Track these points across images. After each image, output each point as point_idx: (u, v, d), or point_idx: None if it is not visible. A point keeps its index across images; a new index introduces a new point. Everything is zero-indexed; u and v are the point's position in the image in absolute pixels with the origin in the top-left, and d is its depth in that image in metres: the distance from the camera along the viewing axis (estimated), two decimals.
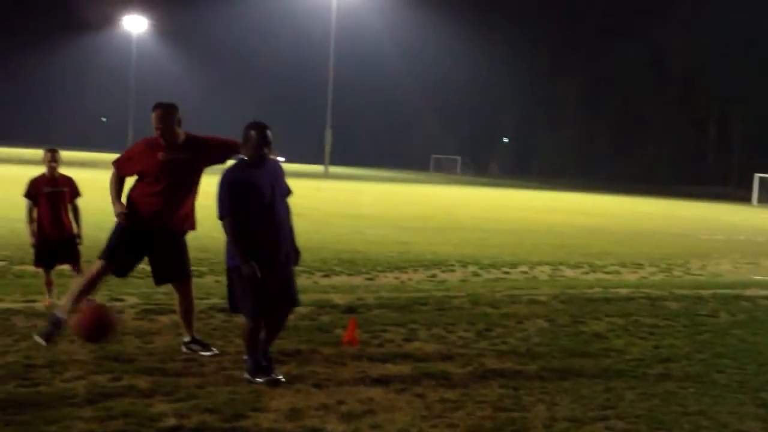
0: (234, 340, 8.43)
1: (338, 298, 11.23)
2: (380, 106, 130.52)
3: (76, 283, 8.11)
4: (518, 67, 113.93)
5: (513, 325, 10.04)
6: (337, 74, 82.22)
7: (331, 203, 33.49)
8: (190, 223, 8.08)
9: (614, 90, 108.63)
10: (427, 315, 10.43)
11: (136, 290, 10.78)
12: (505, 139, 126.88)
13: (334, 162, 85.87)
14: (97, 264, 7.87)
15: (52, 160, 9.84)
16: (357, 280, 13.64)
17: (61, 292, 9.98)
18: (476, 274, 15.29)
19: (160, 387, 6.72)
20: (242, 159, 7.22)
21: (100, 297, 9.70)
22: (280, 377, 7.07)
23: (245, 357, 7.20)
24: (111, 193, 7.95)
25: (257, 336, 7.21)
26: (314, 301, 10.93)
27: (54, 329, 7.66)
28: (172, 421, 5.92)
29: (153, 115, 7.82)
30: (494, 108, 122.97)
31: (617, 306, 11.88)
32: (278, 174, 7.36)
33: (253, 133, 7.14)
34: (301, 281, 12.89)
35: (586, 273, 16.45)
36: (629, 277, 16.16)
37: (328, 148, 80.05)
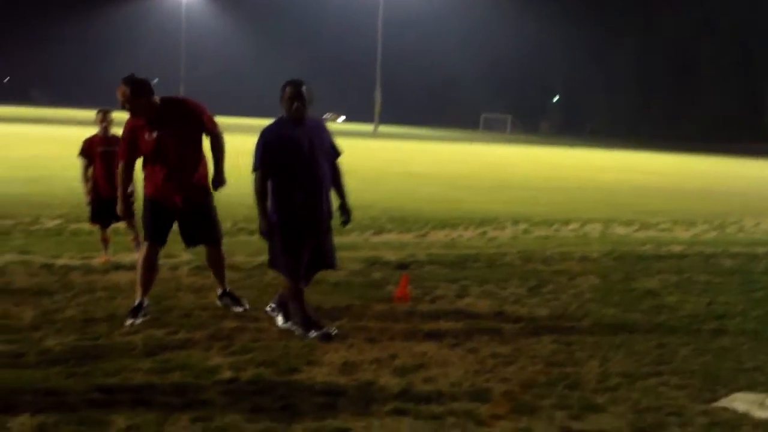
0: None
1: (390, 255, 11.28)
2: (430, 66, 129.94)
3: (138, 273, 7.74)
4: (570, 25, 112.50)
5: (565, 282, 10.01)
6: (386, 34, 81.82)
7: (381, 162, 33.49)
8: (205, 187, 7.83)
9: (670, 48, 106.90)
10: (479, 271, 10.44)
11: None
12: (556, 98, 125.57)
13: (384, 121, 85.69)
14: (144, 246, 7.77)
15: (104, 120, 9.95)
16: (408, 238, 13.66)
17: (117, 250, 10.17)
18: (527, 232, 15.23)
19: (215, 341, 6.83)
20: (281, 116, 7.24)
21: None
22: (332, 331, 7.14)
23: (290, 318, 7.28)
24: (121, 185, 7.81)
25: (299, 294, 7.27)
26: (366, 257, 10.99)
27: (137, 311, 7.50)
28: (228, 374, 6.01)
29: (119, 92, 7.52)
30: (545, 66, 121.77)
31: (670, 263, 11.79)
32: (320, 132, 7.35)
33: (288, 89, 7.17)
34: (352, 239, 13.01)
35: (638, 230, 16.30)
36: (682, 234, 15.99)
37: (377, 107, 79.88)
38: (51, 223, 13.11)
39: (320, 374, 6.14)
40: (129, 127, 7.60)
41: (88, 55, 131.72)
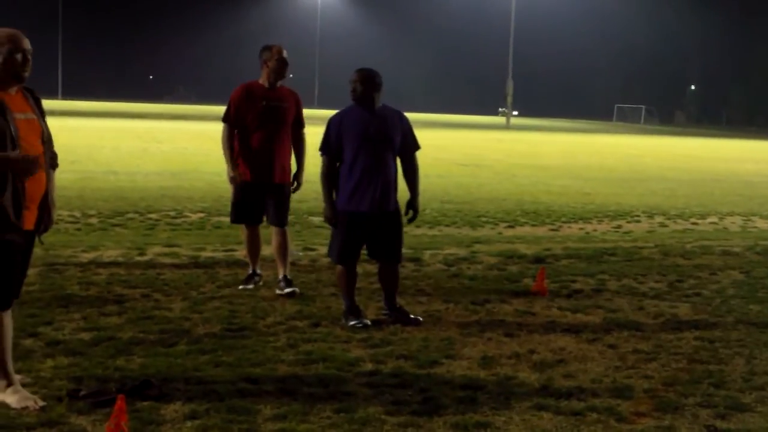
0: (424, 290, 8.61)
1: (525, 249, 11.24)
2: (562, 56, 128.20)
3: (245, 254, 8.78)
4: (706, 13, 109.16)
5: (706, 277, 9.79)
6: (518, 24, 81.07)
7: (513, 154, 33.28)
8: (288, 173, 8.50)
9: None
10: (616, 265, 10.31)
11: (326, 240, 11.10)
12: (692, 87, 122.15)
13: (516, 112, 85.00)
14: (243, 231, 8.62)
15: None
16: (541, 231, 13.58)
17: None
18: (663, 225, 14.93)
19: (356, 333, 6.95)
20: (354, 104, 7.30)
21: (292, 247, 10.07)
22: (367, 322, 7.17)
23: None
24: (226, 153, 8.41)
25: (349, 280, 7.34)
26: (501, 251, 10.98)
27: (249, 280, 8.45)
28: (369, 366, 6.11)
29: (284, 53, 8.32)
30: (680, 55, 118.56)
31: None
32: (394, 123, 7.33)
33: (356, 77, 7.24)
34: (485, 232, 13.03)
35: None
36: None
37: (509, 99, 79.26)
38: (194, 217, 13.56)
39: (460, 368, 6.18)
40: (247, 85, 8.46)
41: (226, 52, 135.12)
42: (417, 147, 7.51)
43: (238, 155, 8.38)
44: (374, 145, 7.21)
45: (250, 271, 8.55)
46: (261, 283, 8.50)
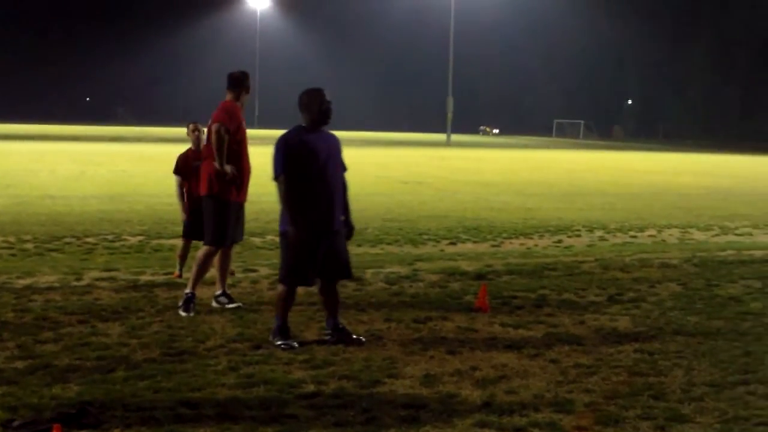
0: (366, 309, 8.58)
1: (466, 265, 11.27)
2: (501, 73, 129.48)
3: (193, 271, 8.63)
4: (642, 28, 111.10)
5: (645, 289, 9.90)
6: (458, 42, 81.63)
7: (455, 171, 33.42)
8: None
9: (743, 48, 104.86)
10: (557, 280, 10.38)
11: (268, 261, 11.05)
12: (629, 102, 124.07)
13: (457, 130, 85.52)
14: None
15: (195, 131, 10.04)
16: (483, 247, 13.64)
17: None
18: (603, 239, 15.10)
19: (297, 355, 6.90)
20: (299, 125, 7.31)
21: (232, 267, 9.99)
22: (294, 344, 7.14)
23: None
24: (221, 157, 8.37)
25: (288, 301, 7.34)
26: (443, 268, 11.00)
27: (187, 303, 8.31)
28: (311, 388, 6.06)
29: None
30: (617, 70, 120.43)
31: (752, 268, 11.57)
32: (335, 143, 7.42)
33: (312, 94, 7.29)
34: (427, 249, 13.05)
35: (717, 235, 16.04)
36: (762, 238, 15.69)
37: (450, 116, 79.68)
38: (133, 240, 13.38)
39: (402, 386, 6.16)
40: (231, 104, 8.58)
41: (167, 73, 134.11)
42: (345, 168, 7.56)
43: (216, 174, 8.37)
44: (326, 165, 7.22)
45: (191, 293, 8.39)
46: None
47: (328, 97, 7.31)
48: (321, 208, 7.21)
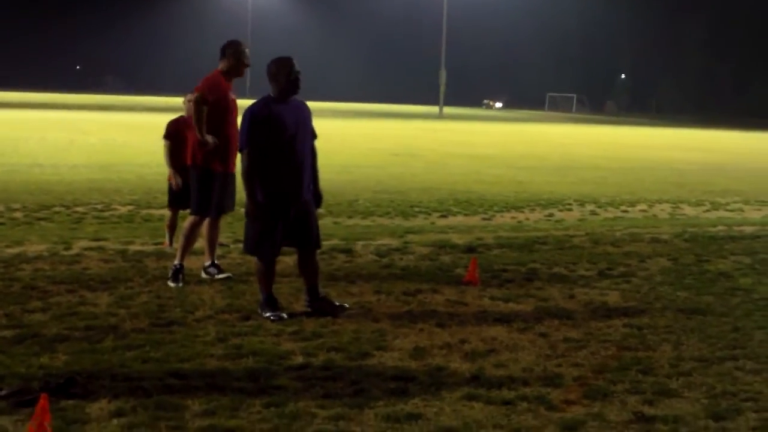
0: (356, 281, 8.57)
1: (457, 238, 11.26)
2: (495, 46, 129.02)
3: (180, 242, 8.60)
4: (636, 2, 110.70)
5: (635, 264, 9.91)
6: (451, 14, 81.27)
7: (447, 144, 33.37)
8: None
9: (738, 23, 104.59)
10: (547, 254, 10.38)
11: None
12: (623, 76, 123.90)
13: (449, 103, 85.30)
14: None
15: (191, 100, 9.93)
16: (474, 220, 13.63)
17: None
18: (594, 213, 15.10)
19: (286, 326, 6.89)
20: (268, 95, 7.25)
21: (222, 239, 9.98)
22: (284, 315, 7.13)
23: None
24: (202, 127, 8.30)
25: (267, 273, 7.30)
26: (433, 241, 10.99)
27: (176, 274, 8.24)
28: (299, 359, 6.06)
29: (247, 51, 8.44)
30: (611, 44, 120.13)
31: (742, 244, 11.60)
32: (305, 112, 7.36)
33: (281, 63, 7.20)
34: (418, 222, 13.03)
35: (708, 211, 16.07)
36: (753, 214, 15.72)
37: (442, 88, 79.44)
38: (123, 210, 13.33)
39: (391, 359, 6.16)
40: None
41: (160, 42, 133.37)
42: (315, 136, 7.51)
43: (199, 143, 8.33)
44: (296, 136, 7.17)
45: (180, 264, 8.37)
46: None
47: (297, 67, 7.22)
48: (290, 178, 7.17)
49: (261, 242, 7.24)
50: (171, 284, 8.11)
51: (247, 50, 8.45)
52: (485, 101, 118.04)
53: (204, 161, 8.33)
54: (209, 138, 8.21)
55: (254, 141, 7.08)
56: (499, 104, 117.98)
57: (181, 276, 8.22)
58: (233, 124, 8.45)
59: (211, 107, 8.21)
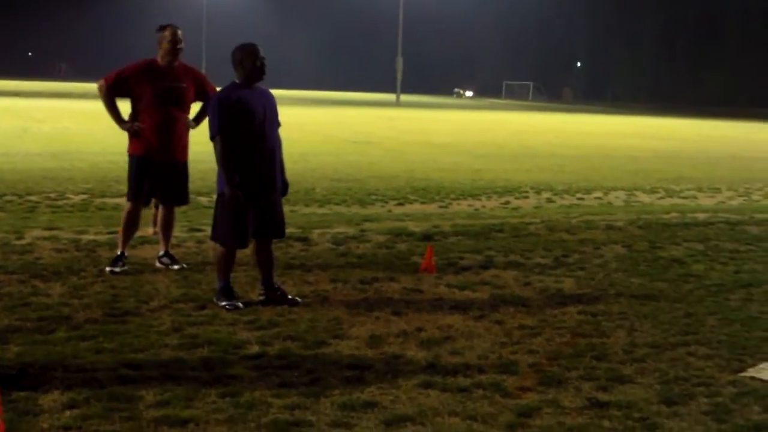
0: (312, 269, 8.54)
1: (414, 226, 11.28)
2: (451, 33, 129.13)
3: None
4: None
5: (590, 251, 9.99)
6: (408, 1, 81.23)
7: (404, 132, 33.37)
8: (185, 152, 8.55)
9: (692, 10, 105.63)
10: (503, 242, 10.43)
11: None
12: (579, 64, 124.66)
13: (406, 90, 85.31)
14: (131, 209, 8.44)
15: None
16: (431, 208, 13.65)
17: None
18: (550, 201, 15.19)
19: (242, 315, 6.85)
20: (234, 81, 7.19)
21: (178, 229, 9.91)
22: (239, 304, 7.11)
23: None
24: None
25: (229, 261, 7.28)
26: (390, 229, 10.99)
27: (117, 262, 8.22)
28: (255, 349, 6.03)
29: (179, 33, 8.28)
30: (566, 32, 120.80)
31: (695, 231, 11.73)
32: (271, 99, 7.32)
33: (247, 49, 7.13)
34: (375, 210, 13.02)
35: (662, 198, 16.23)
36: (706, 201, 15.91)
37: (399, 76, 79.46)
38: (76, 198, 13.17)
39: (347, 348, 6.15)
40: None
41: (112, 28, 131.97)
42: (279, 124, 7.44)
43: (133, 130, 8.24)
44: (265, 123, 7.11)
45: (120, 252, 8.32)
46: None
47: (261, 53, 7.17)
48: (262, 166, 7.12)
49: (232, 230, 7.17)
50: (107, 269, 8.08)
51: (179, 32, 8.26)
52: (456, 90, 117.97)
53: (130, 147, 8.35)
54: (128, 125, 8.25)
55: (225, 128, 7.01)
56: (469, 93, 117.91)
57: (120, 263, 8.20)
58: (166, 112, 8.26)
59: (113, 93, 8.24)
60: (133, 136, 8.24)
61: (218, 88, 7.50)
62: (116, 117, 8.28)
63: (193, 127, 8.55)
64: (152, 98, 8.15)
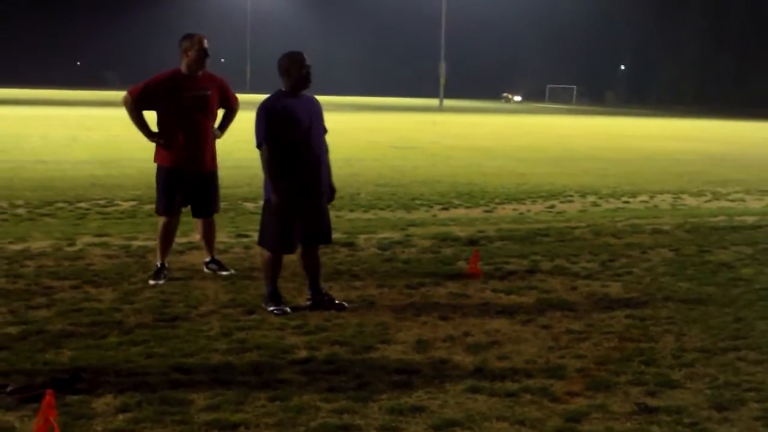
0: (359, 275, 8.59)
1: (459, 231, 11.28)
2: (494, 38, 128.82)
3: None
4: None
5: (637, 255, 9.92)
6: (450, 5, 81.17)
7: (448, 136, 33.36)
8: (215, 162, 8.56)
9: (737, 13, 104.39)
10: (549, 246, 10.40)
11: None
12: (622, 67, 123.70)
13: (450, 96, 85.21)
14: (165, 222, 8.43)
15: None
16: (476, 213, 13.64)
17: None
18: (595, 204, 15.11)
19: (290, 320, 6.91)
20: (280, 89, 7.22)
21: (225, 234, 10.00)
22: (287, 309, 7.15)
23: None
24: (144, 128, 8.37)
25: (276, 267, 7.32)
26: (435, 234, 11.01)
27: (158, 274, 8.20)
28: (303, 353, 6.08)
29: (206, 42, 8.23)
30: (610, 35, 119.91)
31: (744, 234, 11.61)
32: (317, 107, 7.35)
33: (293, 57, 7.16)
34: (420, 214, 13.05)
35: (709, 201, 16.07)
36: (754, 204, 15.72)
37: (442, 81, 79.40)
38: (126, 205, 13.36)
39: (394, 352, 6.18)
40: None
41: (157, 36, 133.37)
42: (326, 131, 7.48)
43: (162, 143, 8.30)
44: (311, 130, 7.16)
45: (160, 264, 8.31)
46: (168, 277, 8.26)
47: (308, 61, 7.21)
48: (308, 173, 7.18)
49: (279, 236, 7.23)
50: (150, 282, 8.04)
51: (205, 41, 8.22)
52: (504, 94, 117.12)
53: (158, 158, 8.43)
54: (155, 138, 8.34)
55: (271, 136, 7.06)
56: (518, 98, 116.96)
57: (162, 275, 8.19)
58: (194, 122, 8.26)
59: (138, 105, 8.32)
60: (165, 148, 8.26)
61: (263, 96, 7.55)
62: (144, 130, 8.29)
63: (218, 136, 8.56)
64: (180, 108, 8.14)
